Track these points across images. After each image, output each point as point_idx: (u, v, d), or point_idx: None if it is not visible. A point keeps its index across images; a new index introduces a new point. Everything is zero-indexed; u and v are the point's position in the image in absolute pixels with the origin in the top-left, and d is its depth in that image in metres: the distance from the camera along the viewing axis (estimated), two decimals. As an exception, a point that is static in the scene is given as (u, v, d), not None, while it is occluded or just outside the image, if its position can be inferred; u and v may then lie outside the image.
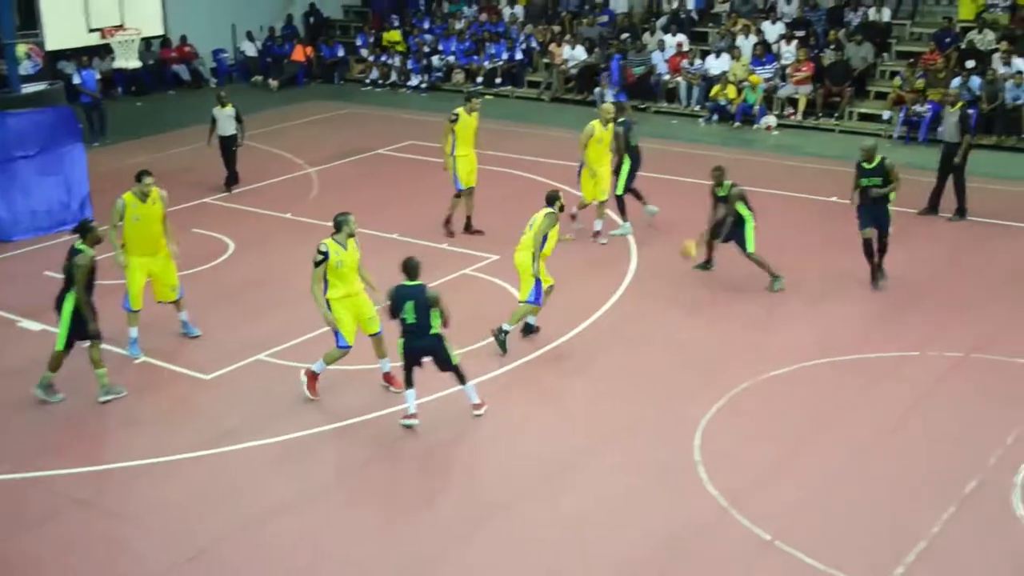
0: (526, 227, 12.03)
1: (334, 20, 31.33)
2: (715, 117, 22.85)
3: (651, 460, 9.90)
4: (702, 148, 20.74)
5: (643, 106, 23.90)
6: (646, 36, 25.18)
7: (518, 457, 10.03)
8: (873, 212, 13.40)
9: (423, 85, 27.31)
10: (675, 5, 25.73)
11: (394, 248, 15.57)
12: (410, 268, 10.20)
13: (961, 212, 16.17)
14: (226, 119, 18.23)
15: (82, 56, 22.77)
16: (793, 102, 22.64)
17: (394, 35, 28.21)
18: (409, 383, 10.38)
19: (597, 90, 24.40)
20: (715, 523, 8.88)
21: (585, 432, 10.43)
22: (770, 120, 22.32)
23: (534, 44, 26.93)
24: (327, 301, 10.77)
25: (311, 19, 30.45)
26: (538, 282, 11.93)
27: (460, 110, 15.58)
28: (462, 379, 10.50)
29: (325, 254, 10.62)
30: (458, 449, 10.29)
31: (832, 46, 22.88)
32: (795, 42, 23.25)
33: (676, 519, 8.97)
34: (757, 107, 22.47)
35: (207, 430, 10.58)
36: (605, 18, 26.42)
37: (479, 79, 26.59)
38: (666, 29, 25.01)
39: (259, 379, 11.63)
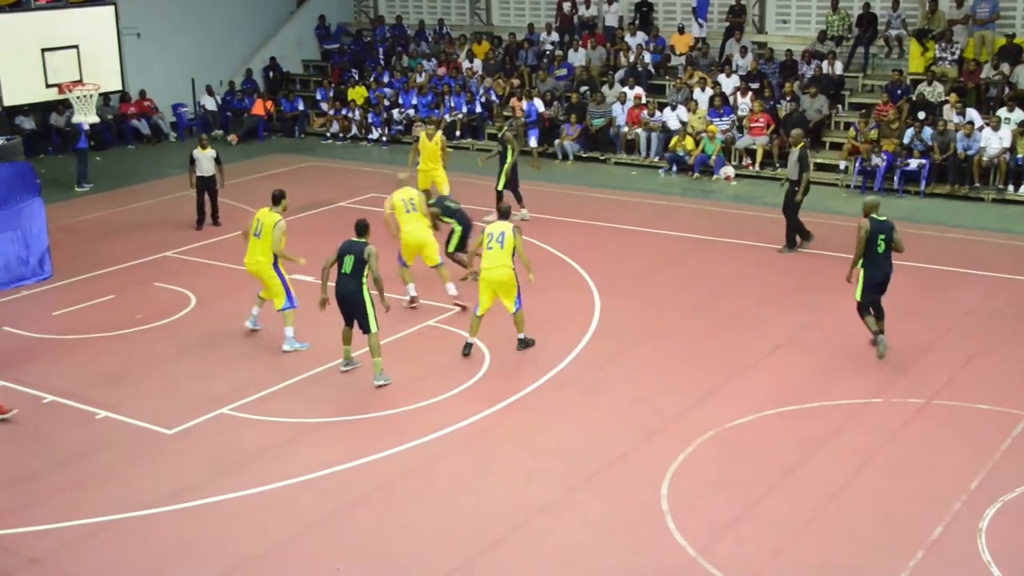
0: (490, 243, 12.92)
1: (294, 74, 31.41)
2: (674, 168, 23.08)
3: (619, 509, 9.87)
4: (662, 199, 20.93)
5: (603, 157, 24.16)
6: (604, 89, 25.47)
7: (486, 506, 9.97)
8: None
9: (384, 139, 27.41)
10: (632, 59, 26.06)
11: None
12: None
13: (791, 244, 17.11)
14: (206, 160, 19.28)
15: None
16: (751, 153, 22.93)
17: (360, 91, 28.32)
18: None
19: (557, 142, 24.64)
20: (683, 572, 8.85)
21: (552, 481, 10.38)
22: (728, 171, 22.58)
23: (493, 97, 27.15)
24: None
25: (271, 73, 30.52)
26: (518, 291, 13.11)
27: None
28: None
29: None
30: (424, 498, 10.17)
31: (787, 98, 23.27)
32: (750, 94, 23.63)
33: (645, 568, 8.93)
34: (715, 158, 22.74)
35: (169, 485, 10.41)
36: (564, 71, 26.71)
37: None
38: (623, 82, 25.31)
39: (223, 433, 11.49)
